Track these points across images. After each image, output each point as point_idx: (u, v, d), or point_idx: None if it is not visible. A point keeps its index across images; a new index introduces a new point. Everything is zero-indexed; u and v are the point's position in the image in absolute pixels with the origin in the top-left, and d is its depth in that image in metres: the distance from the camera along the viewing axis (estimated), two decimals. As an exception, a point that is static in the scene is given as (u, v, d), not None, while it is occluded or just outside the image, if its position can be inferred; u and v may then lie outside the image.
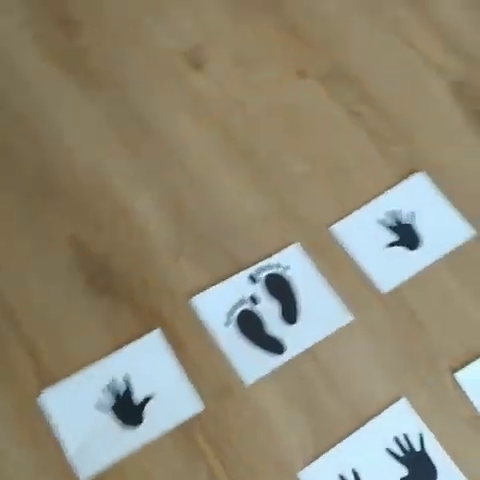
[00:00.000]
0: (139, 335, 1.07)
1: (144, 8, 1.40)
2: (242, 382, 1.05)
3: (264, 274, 1.13)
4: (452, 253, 1.18)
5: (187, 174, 1.22)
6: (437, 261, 1.17)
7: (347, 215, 1.19)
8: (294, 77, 1.33)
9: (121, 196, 1.19)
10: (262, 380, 1.05)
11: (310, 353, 1.08)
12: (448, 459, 1.01)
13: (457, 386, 1.06)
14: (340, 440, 1.02)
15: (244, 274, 1.13)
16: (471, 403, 1.05)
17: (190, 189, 1.20)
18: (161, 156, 1.23)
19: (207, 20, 1.39)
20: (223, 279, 1.12)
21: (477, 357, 1.08)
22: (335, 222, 1.19)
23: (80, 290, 1.10)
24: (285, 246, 1.16)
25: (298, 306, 1.11)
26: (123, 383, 1.03)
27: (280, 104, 1.30)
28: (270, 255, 1.15)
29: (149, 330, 1.08)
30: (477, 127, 1.31)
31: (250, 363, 1.06)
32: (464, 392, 1.06)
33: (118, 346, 1.06)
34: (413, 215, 1.20)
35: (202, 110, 1.28)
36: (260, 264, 1.14)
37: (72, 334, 1.07)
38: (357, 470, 1.00)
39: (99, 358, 1.05)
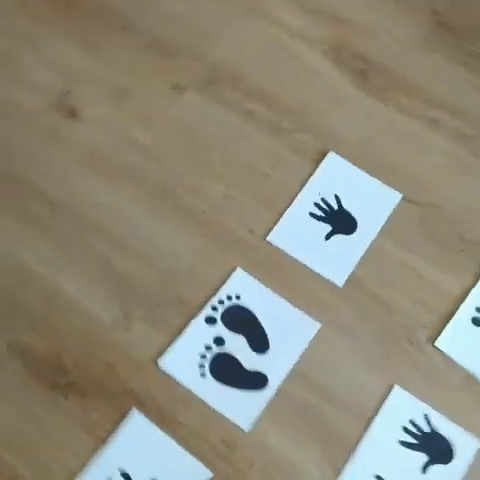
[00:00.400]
0: (118, 421, 1.01)
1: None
2: (241, 430, 1.01)
3: (220, 311, 1.09)
4: (388, 222, 1.17)
5: (109, 237, 1.13)
6: (377, 236, 1.15)
7: (278, 220, 1.16)
8: (172, 94, 1.26)
9: (46, 282, 1.10)
10: (260, 420, 1.02)
11: (294, 374, 1.05)
12: (459, 428, 1.02)
13: (441, 354, 1.07)
14: (353, 451, 1.01)
15: (200, 318, 1.08)
16: (460, 366, 1.06)
17: (117, 252, 1.12)
18: (75, 226, 1.14)
19: (64, 62, 1.28)
20: (182, 331, 1.07)
21: (448, 319, 1.09)
22: (269, 232, 1.15)
23: (44, 398, 1.01)
24: (228, 275, 1.11)
25: (264, 332, 1.07)
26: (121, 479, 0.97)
27: (171, 127, 1.23)
28: (217, 290, 1.10)
29: (127, 412, 1.02)
30: (363, 87, 1.29)
31: (241, 407, 1.02)
32: (449, 357, 1.06)
33: (102, 441, 1.00)
34: (338, 198, 1.18)
35: (98, 161, 1.19)
36: (211, 302, 1.09)
37: (50, 446, 1.00)
38: (380, 474, 0.99)
39: (86, 460, 0.99)
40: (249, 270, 1.12)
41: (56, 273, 1.11)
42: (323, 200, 1.17)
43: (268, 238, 1.14)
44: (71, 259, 1.12)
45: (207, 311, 1.08)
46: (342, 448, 1.01)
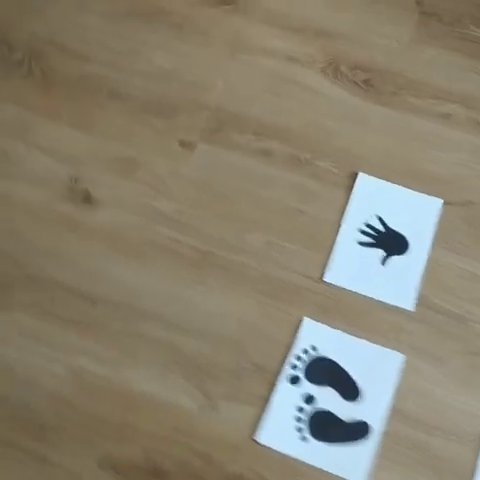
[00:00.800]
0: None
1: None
2: (358, 486, 0.98)
3: (300, 368, 1.04)
4: (436, 232, 1.14)
5: (160, 320, 1.08)
6: (431, 248, 1.12)
7: (329, 257, 1.12)
8: (182, 153, 1.20)
9: (114, 384, 1.04)
10: (373, 469, 0.98)
11: (392, 414, 1.01)
12: None
13: None
14: (472, 476, 0.98)
15: (283, 381, 1.03)
16: None
17: (174, 333, 1.07)
18: (122, 317, 1.08)
19: (61, 146, 1.21)
20: (268, 398, 1.03)
21: (526, 316, 1.07)
22: (323, 272, 1.11)
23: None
24: (297, 328, 1.07)
25: (351, 378, 1.04)
26: None
27: (190, 187, 1.17)
28: (290, 345, 1.06)
29: (238, 499, 0.98)
30: (370, 97, 1.25)
31: (350, 462, 0.99)
32: None
33: None
34: (382, 219, 1.15)
35: (126, 243, 1.13)
36: (289, 361, 1.05)
37: None
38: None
39: None
40: (316, 317, 1.08)
41: (120, 372, 1.05)
42: (368, 225, 1.14)
43: (325, 278, 1.10)
44: (130, 353, 1.06)
45: (288, 371, 1.04)
46: (459, 476, 0.99)
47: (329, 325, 1.07)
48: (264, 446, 1.00)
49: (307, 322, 1.07)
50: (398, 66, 1.27)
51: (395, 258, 1.12)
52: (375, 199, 1.16)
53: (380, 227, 1.14)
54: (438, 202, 1.15)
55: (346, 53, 1.28)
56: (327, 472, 0.98)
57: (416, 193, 1.16)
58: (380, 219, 1.14)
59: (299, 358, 1.05)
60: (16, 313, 1.09)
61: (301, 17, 1.31)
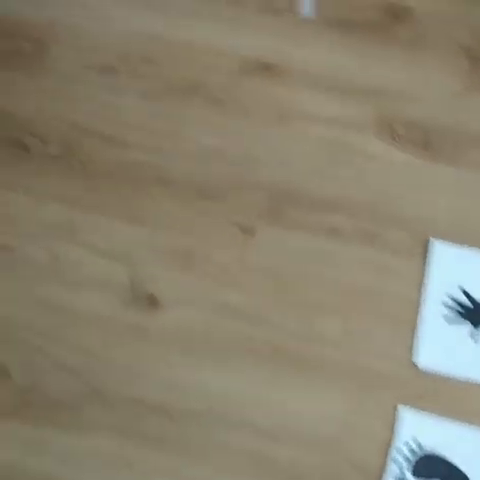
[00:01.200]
0: None
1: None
2: None
3: (405, 467, 0.97)
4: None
5: (242, 425, 1.00)
6: (522, 315, 1.06)
7: (416, 337, 1.05)
8: (243, 238, 1.13)
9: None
10: None
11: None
12: None
13: None
14: None
15: (388, 480, 0.97)
16: None
17: (260, 439, 0.99)
18: (202, 427, 1.00)
19: (115, 244, 1.13)
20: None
21: None
22: (410, 353, 1.04)
23: None
24: (393, 419, 1.00)
25: (461, 472, 0.96)
26: None
27: (257, 275, 1.10)
28: (390, 440, 0.99)
29: None
30: (432, 157, 1.18)
31: None
32: None
33: None
34: (466, 291, 1.08)
35: (198, 343, 1.06)
36: (392, 459, 0.97)
37: None
38: None
39: None
40: (411, 405, 1.01)
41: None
42: (452, 298, 1.07)
43: (415, 362, 1.03)
44: (216, 466, 0.99)
45: (392, 469, 0.96)
46: None
47: (427, 412, 1.00)
48: None
49: (403, 412, 1.00)
50: (455, 118, 1.21)
51: (485, 330, 1.05)
52: (454, 267, 1.09)
53: (464, 298, 1.07)
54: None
55: (398, 111, 1.22)
56: None
57: (497, 254, 1.10)
58: (463, 290, 1.08)
59: (402, 453, 0.98)
60: (88, 434, 1.01)
61: (344, 78, 1.25)
